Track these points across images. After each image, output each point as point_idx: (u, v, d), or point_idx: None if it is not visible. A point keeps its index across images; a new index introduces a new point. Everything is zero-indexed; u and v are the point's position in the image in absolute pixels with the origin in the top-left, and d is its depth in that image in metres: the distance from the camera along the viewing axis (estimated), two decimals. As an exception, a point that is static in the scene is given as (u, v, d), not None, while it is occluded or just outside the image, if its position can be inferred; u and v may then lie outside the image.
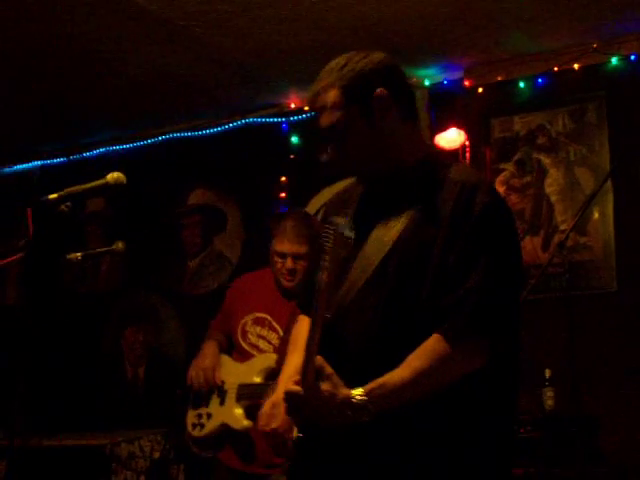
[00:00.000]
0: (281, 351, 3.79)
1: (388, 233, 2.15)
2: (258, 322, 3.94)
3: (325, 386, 1.96)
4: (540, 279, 4.06)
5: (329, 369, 1.98)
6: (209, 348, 4.01)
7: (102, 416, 5.34)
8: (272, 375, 3.77)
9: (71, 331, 6.46)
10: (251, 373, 3.85)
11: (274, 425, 2.27)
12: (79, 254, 3.26)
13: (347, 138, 2.20)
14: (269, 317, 3.92)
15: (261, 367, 3.83)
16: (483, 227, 2.08)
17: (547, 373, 4.66)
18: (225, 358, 3.98)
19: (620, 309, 4.86)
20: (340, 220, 2.04)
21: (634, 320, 4.78)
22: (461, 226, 2.07)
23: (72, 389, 6.01)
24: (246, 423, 3.79)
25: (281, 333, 3.86)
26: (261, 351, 3.89)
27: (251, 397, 3.81)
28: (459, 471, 2.05)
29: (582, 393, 3.84)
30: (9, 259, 2.56)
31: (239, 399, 3.85)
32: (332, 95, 2.18)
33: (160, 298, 6.33)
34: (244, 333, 3.95)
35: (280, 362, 3.72)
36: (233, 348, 4.02)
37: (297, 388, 2.00)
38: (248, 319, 3.95)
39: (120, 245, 3.32)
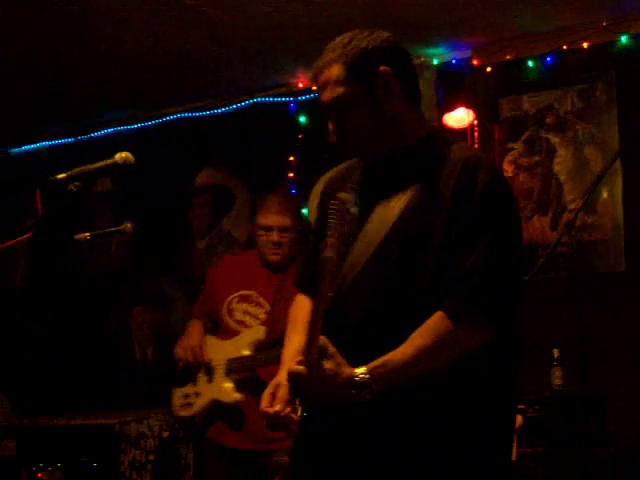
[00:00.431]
0: (269, 325, 3.80)
1: (390, 212, 2.15)
2: (244, 299, 3.94)
3: (328, 365, 1.96)
4: (548, 259, 4.05)
5: (332, 348, 1.98)
6: (194, 327, 4.04)
7: (111, 396, 5.35)
8: (262, 347, 3.78)
9: (79, 312, 6.48)
10: (240, 347, 3.85)
11: (277, 407, 2.27)
12: (87, 234, 3.26)
13: (348, 114, 2.19)
14: (255, 293, 3.92)
15: (250, 340, 3.83)
16: (484, 206, 2.07)
17: (555, 353, 4.66)
18: (210, 337, 3.99)
19: (628, 289, 4.86)
20: (345, 196, 2.04)
21: (642, 300, 4.78)
22: (462, 205, 2.07)
23: (81, 369, 6.03)
24: (237, 396, 3.81)
25: (267, 308, 3.87)
26: (248, 327, 3.89)
27: (241, 370, 3.83)
28: (459, 471, 2.05)
29: (590, 373, 3.83)
30: (18, 239, 2.57)
31: (228, 373, 3.86)
32: (335, 71, 2.17)
33: (168, 279, 6.35)
34: (230, 311, 3.95)
35: (269, 334, 3.73)
36: (217, 329, 4.03)
37: (300, 368, 2.00)
38: (233, 297, 3.95)
39: (129, 225, 3.32)
